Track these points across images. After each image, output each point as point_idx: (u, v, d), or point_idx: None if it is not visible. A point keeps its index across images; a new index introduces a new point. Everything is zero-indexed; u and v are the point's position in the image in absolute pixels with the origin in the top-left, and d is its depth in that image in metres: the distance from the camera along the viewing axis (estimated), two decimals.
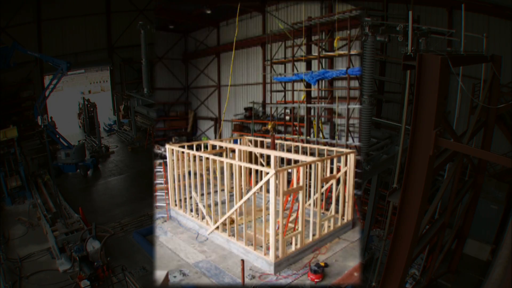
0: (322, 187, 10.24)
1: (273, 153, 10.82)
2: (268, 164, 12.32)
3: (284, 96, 16.38)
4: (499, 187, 13.01)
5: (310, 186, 10.28)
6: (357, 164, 11.39)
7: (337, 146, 13.10)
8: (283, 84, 16.27)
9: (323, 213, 11.15)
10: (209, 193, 11.07)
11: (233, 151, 12.92)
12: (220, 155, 12.40)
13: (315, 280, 8.16)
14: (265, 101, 22.50)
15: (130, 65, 32.41)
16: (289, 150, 12.59)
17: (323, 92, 15.82)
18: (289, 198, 10.16)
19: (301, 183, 9.74)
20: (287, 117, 16.95)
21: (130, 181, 21.20)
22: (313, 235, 10.31)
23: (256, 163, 12.77)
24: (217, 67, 27.18)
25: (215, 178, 10.69)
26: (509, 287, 6.21)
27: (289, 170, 9.56)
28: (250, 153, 13.17)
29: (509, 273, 6.23)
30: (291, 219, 9.97)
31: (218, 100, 27.48)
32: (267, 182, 8.74)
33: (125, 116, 30.80)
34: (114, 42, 31.42)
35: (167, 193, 12.59)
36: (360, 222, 11.98)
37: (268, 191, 9.02)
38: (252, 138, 14.49)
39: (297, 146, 12.62)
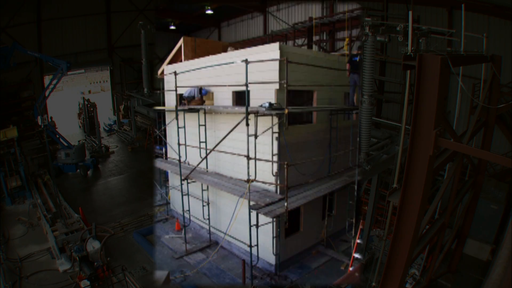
0: None
1: None
2: None
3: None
4: (499, 187, 12.98)
5: None
6: (357, 164, 11.38)
7: None
8: None
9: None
10: None
11: None
12: None
13: None
14: None
15: (130, 65, 32.41)
16: None
17: None
18: None
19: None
20: None
21: (130, 181, 21.18)
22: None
23: None
24: None
25: None
26: (509, 287, 6.20)
27: None
28: None
29: (509, 273, 6.21)
30: None
31: None
32: None
33: (125, 116, 30.79)
34: (114, 42, 31.42)
35: None
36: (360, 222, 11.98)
37: None
38: None
39: None
